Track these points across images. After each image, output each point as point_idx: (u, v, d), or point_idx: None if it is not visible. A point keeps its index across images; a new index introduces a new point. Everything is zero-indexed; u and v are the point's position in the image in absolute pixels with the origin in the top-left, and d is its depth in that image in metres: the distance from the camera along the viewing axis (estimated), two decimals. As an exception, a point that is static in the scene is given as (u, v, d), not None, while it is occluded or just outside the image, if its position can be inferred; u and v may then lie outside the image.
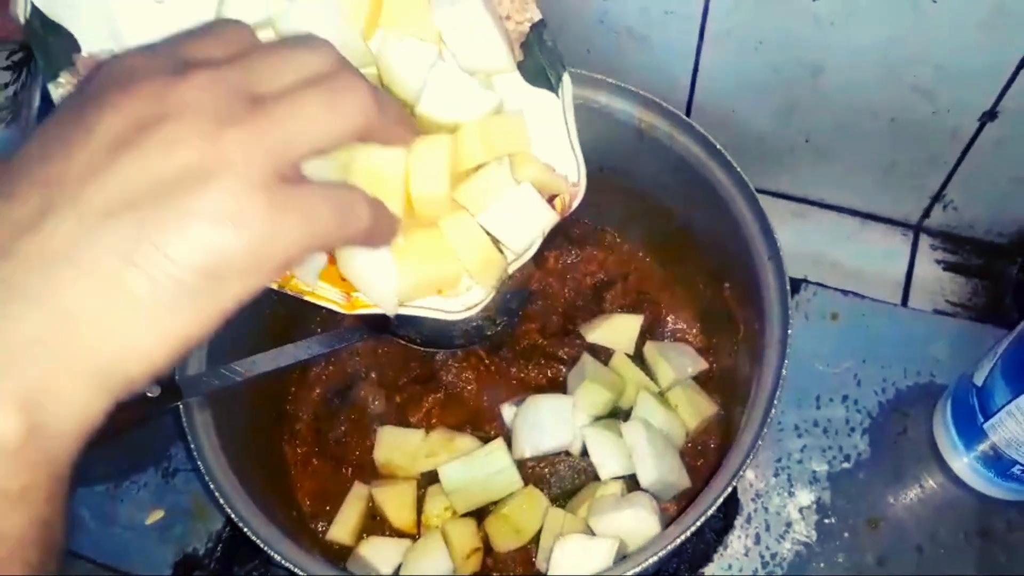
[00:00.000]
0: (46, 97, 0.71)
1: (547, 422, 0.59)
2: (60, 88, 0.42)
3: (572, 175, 0.49)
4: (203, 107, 0.29)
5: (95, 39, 0.43)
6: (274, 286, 0.43)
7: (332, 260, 0.44)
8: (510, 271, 0.49)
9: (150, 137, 0.29)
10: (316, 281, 0.45)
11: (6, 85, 0.78)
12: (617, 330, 0.65)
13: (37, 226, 0.28)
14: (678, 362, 0.63)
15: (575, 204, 0.49)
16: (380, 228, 0.36)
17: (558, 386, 0.64)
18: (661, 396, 0.62)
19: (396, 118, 0.36)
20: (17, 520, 0.27)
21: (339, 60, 0.33)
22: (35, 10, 0.42)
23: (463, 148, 0.44)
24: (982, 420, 0.58)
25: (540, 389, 0.64)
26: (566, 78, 0.48)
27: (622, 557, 0.53)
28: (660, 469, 0.57)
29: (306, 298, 0.45)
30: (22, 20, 0.42)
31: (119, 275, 0.27)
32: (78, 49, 0.42)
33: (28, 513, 0.27)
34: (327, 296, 0.46)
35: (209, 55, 0.32)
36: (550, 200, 0.49)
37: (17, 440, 0.26)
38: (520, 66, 0.47)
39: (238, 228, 0.29)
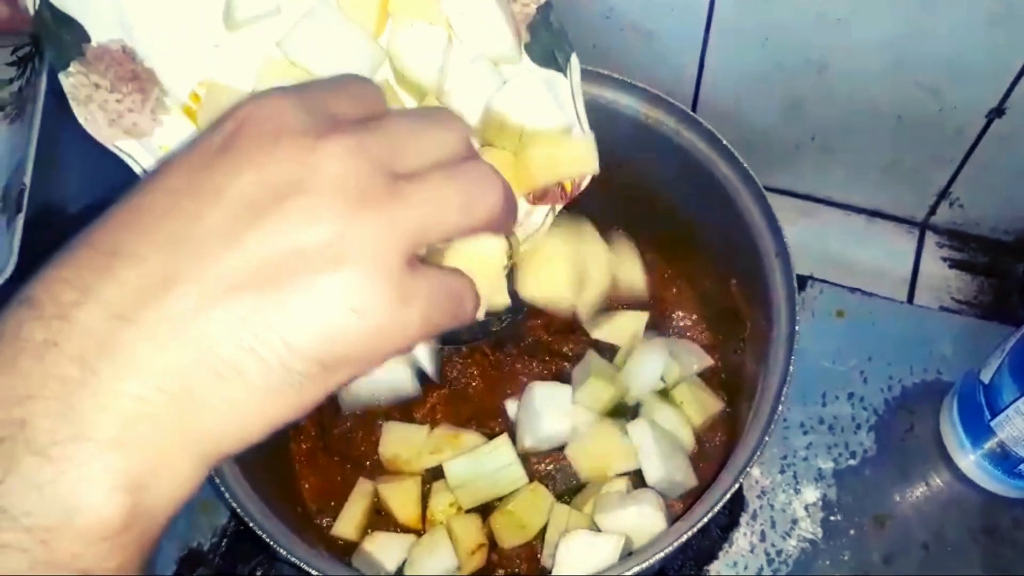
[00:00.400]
0: (51, 92, 0.71)
1: (545, 408, 0.59)
2: (71, 77, 0.42)
3: None
4: (343, 180, 0.27)
5: (105, 29, 0.43)
6: None
7: None
8: (521, 250, 0.49)
9: (286, 209, 0.27)
10: None
11: (11, 80, 0.78)
12: (621, 327, 0.65)
13: (159, 296, 0.26)
14: (684, 359, 0.63)
15: (585, 183, 0.49)
16: (478, 315, 0.35)
17: (563, 382, 0.64)
18: (666, 393, 0.62)
19: (515, 211, 0.35)
20: None
21: (471, 143, 0.33)
22: (45, 1, 0.42)
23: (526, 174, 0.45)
24: (989, 417, 0.58)
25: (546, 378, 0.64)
26: (574, 59, 0.48)
27: (627, 554, 0.53)
28: (666, 467, 0.57)
29: None
30: (32, 11, 0.42)
31: (235, 358, 0.26)
32: (88, 39, 0.42)
33: None
34: None
35: (344, 112, 0.30)
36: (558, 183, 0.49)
37: (121, 523, 0.25)
38: (528, 48, 0.48)
39: (363, 318, 0.27)
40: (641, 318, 0.65)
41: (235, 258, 0.26)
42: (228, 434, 0.27)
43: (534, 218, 0.50)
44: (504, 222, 0.32)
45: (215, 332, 0.26)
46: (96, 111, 0.43)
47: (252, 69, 0.46)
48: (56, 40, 0.42)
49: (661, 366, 0.61)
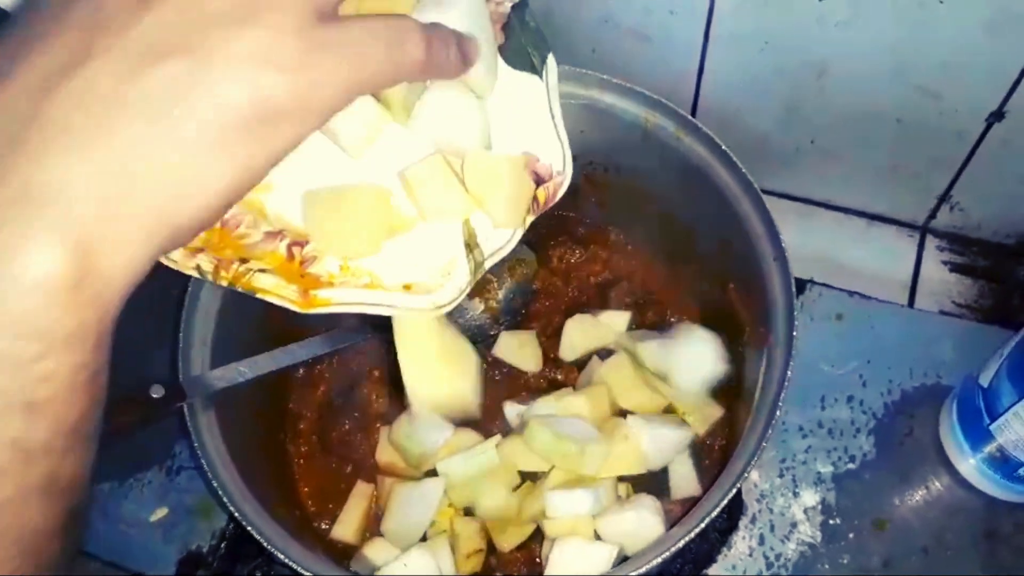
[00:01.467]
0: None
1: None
2: None
3: (557, 163, 0.46)
4: None
5: None
6: (224, 283, 0.43)
7: (290, 256, 0.44)
8: (487, 266, 0.48)
9: None
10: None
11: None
12: (607, 327, 0.66)
13: (80, 67, 0.27)
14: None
15: (560, 194, 0.47)
16: (438, 59, 0.34)
17: (560, 386, 0.64)
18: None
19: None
20: (67, 361, 0.26)
21: None
22: None
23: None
24: (988, 421, 0.58)
25: (542, 389, 0.64)
26: (551, 60, 0.45)
27: (623, 559, 0.53)
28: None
29: (259, 296, 0.44)
30: None
31: (169, 116, 0.27)
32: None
33: (77, 357, 0.27)
34: (282, 294, 0.44)
35: None
36: (536, 186, 0.47)
37: (69, 281, 0.26)
38: (502, 49, 0.45)
39: (281, 70, 0.28)
40: (623, 318, 0.66)
41: (150, 28, 0.27)
42: (176, 202, 0.28)
43: (503, 231, 0.47)
44: None
45: (144, 94, 0.27)
46: None
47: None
48: None
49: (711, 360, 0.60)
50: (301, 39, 0.28)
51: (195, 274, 0.42)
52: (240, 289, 0.43)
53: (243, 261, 0.43)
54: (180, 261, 0.42)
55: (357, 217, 0.44)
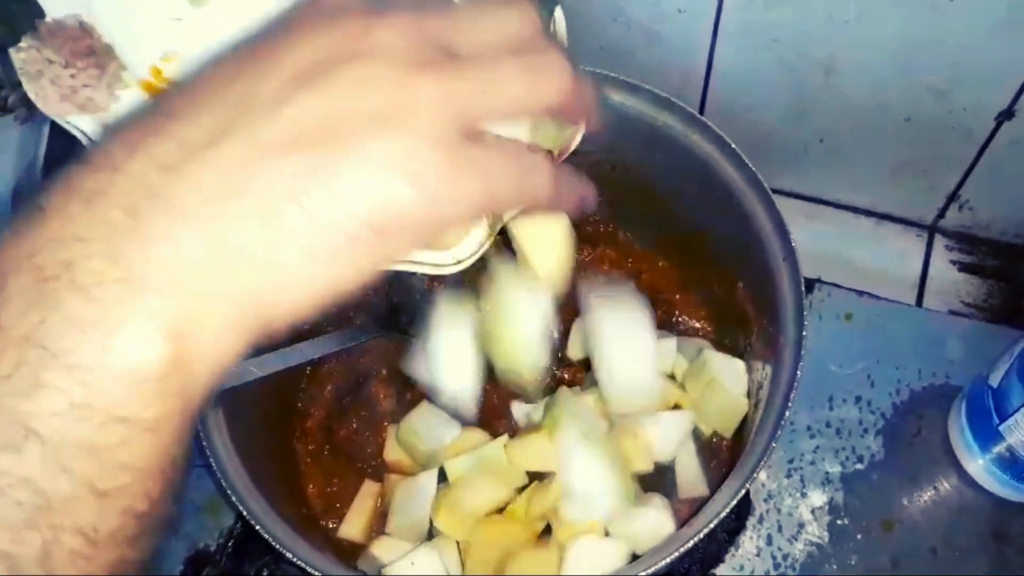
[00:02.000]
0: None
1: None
2: (21, 52, 0.41)
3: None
4: (399, 50, 0.27)
5: (61, 4, 0.42)
6: None
7: None
8: (505, 218, 0.48)
9: (339, 74, 0.27)
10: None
11: (19, 84, 0.78)
12: None
13: (210, 149, 0.26)
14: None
15: (574, 145, 0.47)
16: (561, 196, 0.34)
17: (567, 385, 0.64)
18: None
19: (590, 103, 0.34)
20: (147, 451, 0.26)
21: (542, 29, 0.31)
22: None
23: None
24: (997, 422, 0.58)
25: (551, 389, 0.64)
26: (558, 13, 0.44)
27: (633, 558, 0.53)
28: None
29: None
30: None
31: (285, 212, 0.26)
32: (42, 15, 0.42)
33: (157, 445, 0.26)
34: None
35: (408, 3, 0.30)
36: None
37: (162, 369, 0.25)
38: None
39: (415, 183, 0.27)
40: None
41: (286, 117, 0.26)
42: (275, 297, 0.27)
43: None
44: (575, 108, 0.32)
45: (263, 186, 0.26)
46: (47, 86, 0.42)
47: (216, 43, 0.45)
48: (6, 14, 0.41)
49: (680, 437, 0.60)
50: (440, 154, 0.27)
51: None
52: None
53: None
54: None
55: None
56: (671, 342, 0.63)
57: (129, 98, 0.43)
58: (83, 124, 0.42)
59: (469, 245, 0.47)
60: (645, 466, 0.57)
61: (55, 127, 0.76)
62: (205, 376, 0.27)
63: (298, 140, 0.26)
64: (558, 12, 0.45)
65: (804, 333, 0.51)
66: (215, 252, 0.26)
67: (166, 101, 0.29)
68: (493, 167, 0.29)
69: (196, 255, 0.26)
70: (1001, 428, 0.58)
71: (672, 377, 0.63)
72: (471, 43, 0.29)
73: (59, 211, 0.26)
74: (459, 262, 0.47)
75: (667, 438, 0.58)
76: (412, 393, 0.65)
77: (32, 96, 0.41)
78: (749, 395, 0.59)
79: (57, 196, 0.26)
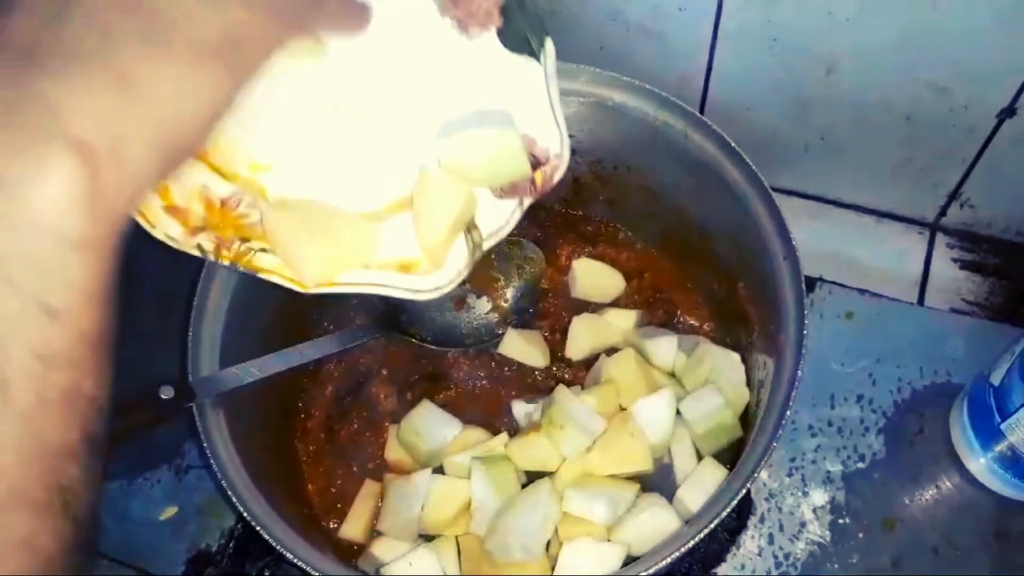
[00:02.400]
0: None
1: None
2: None
3: (555, 147, 0.46)
4: None
5: None
6: (227, 262, 0.43)
7: None
8: (485, 247, 0.48)
9: None
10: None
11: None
12: (611, 326, 0.66)
13: (79, 4, 0.31)
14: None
15: (557, 177, 0.47)
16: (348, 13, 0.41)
17: (568, 385, 0.64)
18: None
19: None
20: (87, 269, 0.28)
21: None
22: None
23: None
24: (999, 420, 0.58)
25: (551, 387, 0.64)
26: (548, 44, 0.45)
27: (631, 559, 0.53)
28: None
29: (261, 275, 0.44)
30: None
31: (161, 41, 0.31)
32: None
33: (97, 266, 0.29)
34: (283, 273, 0.45)
35: None
36: (534, 168, 0.47)
37: (86, 189, 0.28)
38: (500, 33, 0.45)
39: (246, 6, 0.33)
40: (631, 315, 0.65)
41: None
42: (171, 114, 0.31)
43: (500, 212, 0.48)
44: None
45: (138, 23, 0.30)
46: None
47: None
48: None
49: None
50: None
51: (197, 253, 0.43)
52: (242, 268, 0.44)
53: (244, 240, 0.44)
54: (182, 240, 0.42)
55: (333, 244, 0.46)
56: (672, 340, 0.63)
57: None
58: None
59: (448, 273, 0.47)
60: (644, 464, 0.57)
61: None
62: (127, 195, 0.30)
63: None
64: (548, 44, 0.45)
65: (805, 332, 0.51)
66: (112, 78, 0.29)
67: None
68: None
69: (95, 82, 0.29)
70: (1002, 426, 0.57)
71: (672, 375, 0.63)
72: None
73: None
74: (438, 288, 0.47)
75: (654, 421, 0.58)
76: (412, 393, 0.65)
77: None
78: (750, 388, 0.59)
79: None
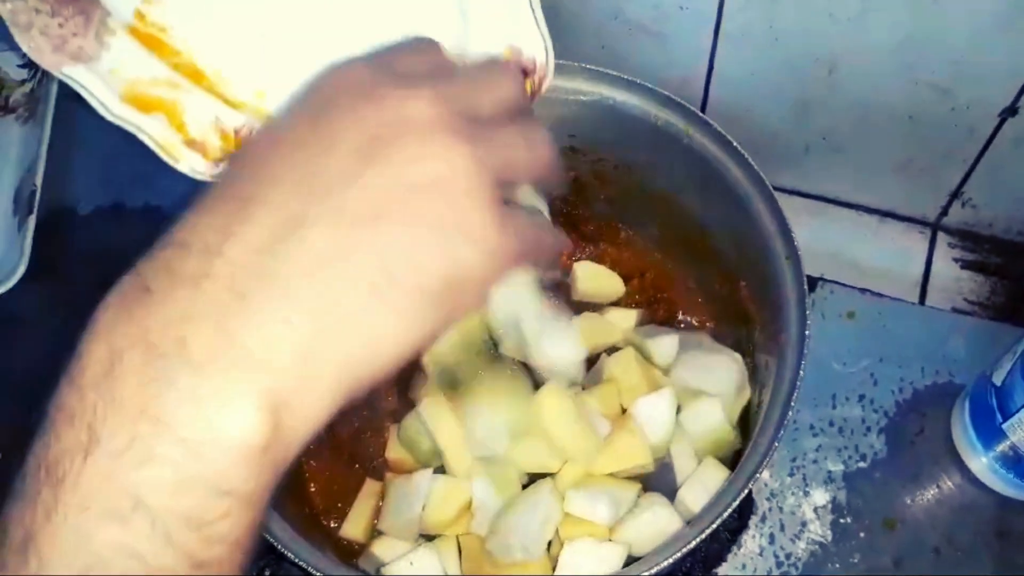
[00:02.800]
0: (63, 94, 0.71)
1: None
2: (8, 3, 0.40)
3: (540, 56, 0.45)
4: (435, 122, 0.31)
5: None
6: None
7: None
8: None
9: (394, 148, 0.30)
10: None
11: (23, 82, 0.78)
12: (612, 325, 0.65)
13: (299, 230, 0.29)
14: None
15: (545, 86, 0.46)
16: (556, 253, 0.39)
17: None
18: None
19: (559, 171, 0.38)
20: (244, 523, 0.27)
21: (525, 93, 0.37)
22: None
23: None
24: (1001, 420, 0.58)
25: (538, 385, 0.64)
26: (548, 44, 0.45)
27: (633, 559, 0.53)
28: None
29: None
30: None
31: (374, 281, 0.29)
32: None
33: (253, 517, 0.28)
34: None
35: (415, 69, 0.34)
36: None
37: (263, 442, 0.27)
38: None
39: (476, 242, 0.30)
40: (632, 315, 0.65)
41: (359, 194, 0.29)
42: (366, 358, 0.29)
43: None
44: (554, 171, 0.36)
45: (354, 259, 0.29)
46: (39, 37, 0.42)
47: None
48: None
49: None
50: (493, 214, 0.31)
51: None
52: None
53: None
54: (205, 171, 0.42)
55: None
56: (673, 338, 0.63)
57: (120, 48, 0.42)
58: (80, 76, 0.42)
59: None
60: (644, 459, 0.57)
61: (56, 128, 0.76)
62: (299, 442, 0.29)
63: (376, 215, 0.29)
64: (548, 45, 0.45)
65: (807, 332, 0.51)
66: (317, 325, 0.28)
67: (235, 183, 0.31)
68: (522, 225, 0.33)
69: (300, 330, 0.28)
70: (1004, 426, 0.57)
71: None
72: (484, 110, 0.33)
73: (167, 293, 0.28)
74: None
75: (655, 420, 0.58)
76: (413, 392, 0.65)
77: (26, 50, 0.41)
78: (752, 388, 0.59)
79: (160, 278, 0.28)
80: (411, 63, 0.34)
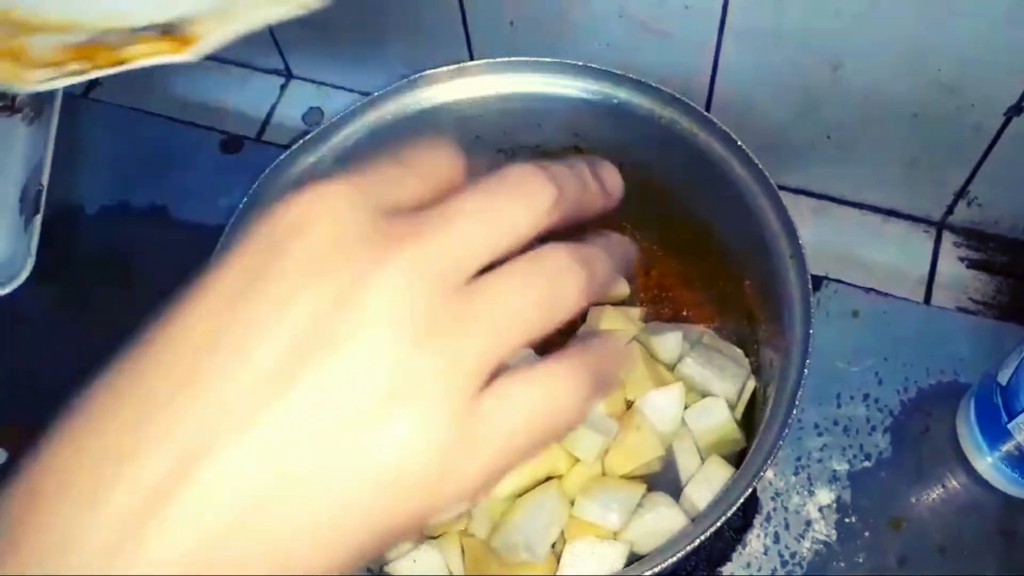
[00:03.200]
0: (69, 94, 0.72)
1: None
2: None
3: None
4: (405, 311, 0.24)
5: None
6: (108, 70, 0.39)
7: None
8: None
9: (342, 345, 0.23)
10: None
11: (28, 82, 0.78)
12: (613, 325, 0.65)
13: (248, 425, 0.23)
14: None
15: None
16: None
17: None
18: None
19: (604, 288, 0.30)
20: None
21: (551, 208, 0.28)
22: None
23: None
24: (1006, 420, 0.57)
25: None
26: None
27: (636, 557, 0.53)
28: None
29: (141, 62, 0.39)
30: None
31: (312, 495, 0.23)
32: None
33: None
34: (163, 49, 0.39)
35: (408, 198, 0.26)
36: None
37: None
38: None
39: (419, 467, 0.24)
40: (636, 313, 0.65)
41: (294, 405, 0.23)
42: (294, 550, 0.24)
43: None
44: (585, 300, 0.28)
45: (294, 472, 0.23)
46: None
47: None
48: None
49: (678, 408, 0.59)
50: (448, 431, 0.24)
51: (77, 79, 0.39)
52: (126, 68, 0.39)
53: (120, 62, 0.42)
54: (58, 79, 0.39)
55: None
56: (677, 334, 0.63)
57: None
58: None
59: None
60: (656, 453, 0.57)
61: (62, 128, 0.77)
62: None
63: (306, 434, 0.23)
64: None
65: (811, 332, 0.51)
66: (239, 496, 0.23)
67: (120, 394, 0.24)
68: (505, 431, 0.25)
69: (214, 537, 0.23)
70: (1010, 426, 0.57)
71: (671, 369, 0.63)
72: (481, 259, 0.25)
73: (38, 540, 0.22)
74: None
75: (662, 416, 0.58)
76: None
77: None
78: (756, 386, 0.59)
79: (29, 528, 0.22)
80: (409, 188, 0.26)
